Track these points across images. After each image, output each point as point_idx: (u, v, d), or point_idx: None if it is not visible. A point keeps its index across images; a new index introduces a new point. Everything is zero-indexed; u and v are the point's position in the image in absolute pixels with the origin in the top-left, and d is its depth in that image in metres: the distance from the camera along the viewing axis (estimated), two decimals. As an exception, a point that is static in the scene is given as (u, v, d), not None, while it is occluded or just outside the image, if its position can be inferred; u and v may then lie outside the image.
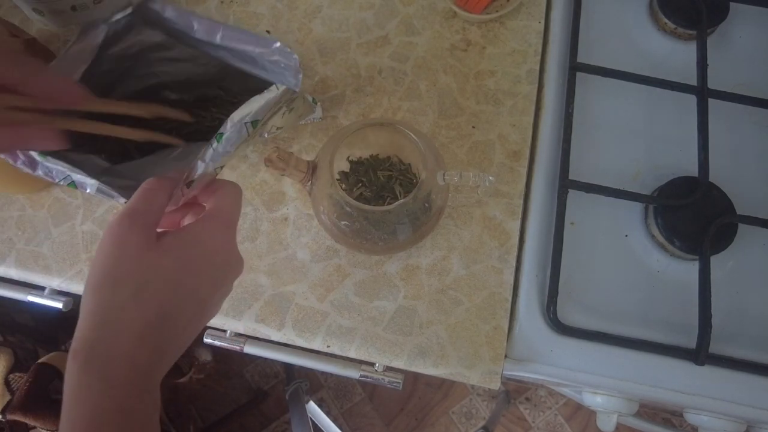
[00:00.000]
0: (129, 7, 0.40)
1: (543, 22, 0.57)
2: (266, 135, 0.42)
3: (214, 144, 0.35)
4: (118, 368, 0.27)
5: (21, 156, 0.38)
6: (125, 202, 0.35)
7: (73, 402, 0.26)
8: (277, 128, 0.44)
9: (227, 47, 0.41)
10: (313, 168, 0.43)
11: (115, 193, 0.38)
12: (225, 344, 0.50)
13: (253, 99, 0.37)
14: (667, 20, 0.57)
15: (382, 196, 0.46)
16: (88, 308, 0.28)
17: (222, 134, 0.35)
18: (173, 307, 0.29)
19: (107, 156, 0.44)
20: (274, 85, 0.38)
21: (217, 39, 0.40)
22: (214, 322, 0.49)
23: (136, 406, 0.27)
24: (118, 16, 0.41)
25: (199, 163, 0.35)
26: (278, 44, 0.39)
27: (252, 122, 0.36)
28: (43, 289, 0.53)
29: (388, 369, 0.48)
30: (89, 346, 0.27)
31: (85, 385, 0.26)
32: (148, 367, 0.28)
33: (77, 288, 0.52)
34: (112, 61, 0.43)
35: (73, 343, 0.27)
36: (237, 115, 0.36)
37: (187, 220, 0.37)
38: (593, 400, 0.49)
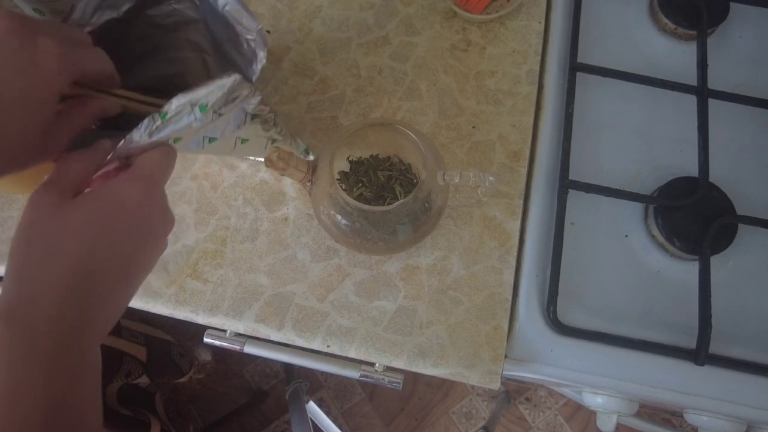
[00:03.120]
0: None
1: (543, 22, 0.57)
2: (222, 135, 0.41)
3: (157, 119, 0.34)
4: (40, 327, 0.27)
5: None
6: None
7: None
8: (242, 140, 0.43)
9: (225, 19, 0.41)
10: (313, 168, 0.43)
11: None
12: (225, 344, 0.50)
13: (203, 84, 0.36)
14: (667, 20, 0.57)
15: (382, 196, 0.47)
16: (7, 271, 0.28)
17: (165, 113, 0.34)
18: (93, 264, 0.29)
19: (100, 122, 0.43)
20: (225, 74, 0.37)
21: (219, 6, 0.40)
22: (214, 322, 0.49)
23: (65, 364, 0.27)
24: None
25: (133, 132, 0.34)
26: (260, 27, 0.40)
27: (200, 107, 0.35)
28: (43, 289, 0.53)
29: (388, 369, 0.48)
30: (9, 306, 0.27)
31: (6, 346, 0.26)
32: (74, 324, 0.28)
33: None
34: (149, 25, 0.43)
35: None
36: (184, 96, 0.35)
37: None
38: (593, 400, 0.49)
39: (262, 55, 0.40)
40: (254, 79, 0.40)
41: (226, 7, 0.40)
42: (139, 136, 0.34)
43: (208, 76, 0.47)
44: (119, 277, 0.30)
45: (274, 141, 0.43)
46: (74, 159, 0.32)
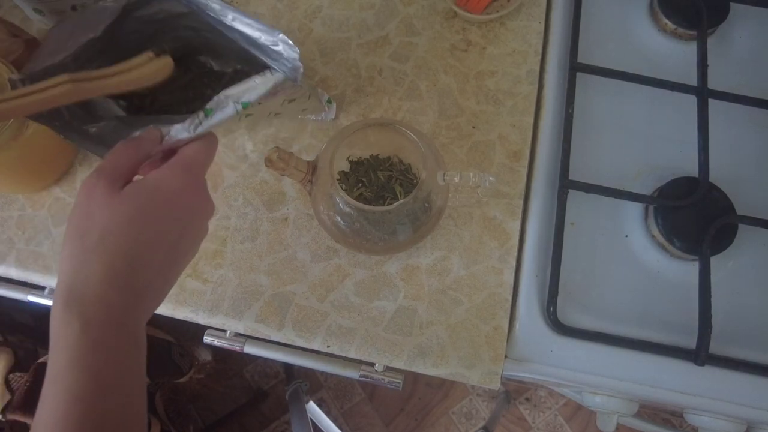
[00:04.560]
0: None
1: (543, 22, 0.57)
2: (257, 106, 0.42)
3: (201, 116, 0.36)
4: (92, 307, 0.30)
5: None
6: None
7: (56, 338, 0.30)
8: (275, 114, 0.44)
9: (238, 30, 0.41)
10: (313, 168, 0.43)
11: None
12: (225, 344, 0.50)
13: (247, 80, 0.37)
14: (667, 20, 0.57)
15: (382, 196, 0.47)
16: (64, 256, 0.32)
17: (211, 109, 0.36)
18: (140, 250, 0.32)
19: (126, 104, 0.44)
20: (268, 71, 0.38)
21: (229, 20, 0.40)
22: (214, 322, 0.49)
23: (113, 341, 0.31)
24: None
25: (178, 127, 0.35)
26: (281, 35, 0.39)
27: (242, 104, 0.37)
28: (43, 288, 0.53)
29: (388, 369, 0.48)
30: (67, 289, 0.31)
31: (65, 323, 0.30)
32: (122, 305, 0.31)
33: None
34: (139, 22, 0.43)
35: (55, 288, 0.31)
36: (227, 92, 0.36)
37: None
38: (593, 400, 0.49)
39: (295, 59, 0.39)
40: (297, 82, 0.40)
41: (234, 23, 0.40)
42: (184, 131, 0.35)
43: (215, 50, 0.47)
44: (166, 262, 0.33)
45: (291, 100, 0.44)
46: (126, 148, 0.34)
